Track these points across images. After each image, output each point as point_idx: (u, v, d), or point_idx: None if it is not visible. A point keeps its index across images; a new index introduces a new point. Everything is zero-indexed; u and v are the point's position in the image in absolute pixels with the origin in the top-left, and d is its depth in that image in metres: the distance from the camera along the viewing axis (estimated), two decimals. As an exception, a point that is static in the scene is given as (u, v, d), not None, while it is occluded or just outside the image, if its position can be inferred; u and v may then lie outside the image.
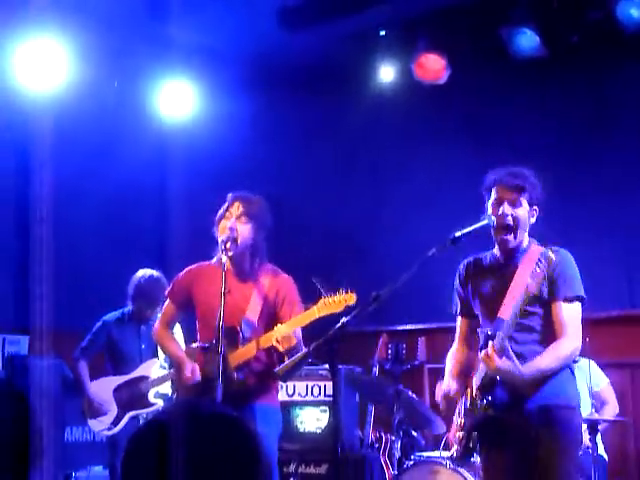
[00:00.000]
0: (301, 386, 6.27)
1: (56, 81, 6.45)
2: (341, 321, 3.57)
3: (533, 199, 3.79)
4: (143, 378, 5.97)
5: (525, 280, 3.57)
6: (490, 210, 3.79)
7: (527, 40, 6.59)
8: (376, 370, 6.41)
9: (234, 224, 4.35)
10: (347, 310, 4.07)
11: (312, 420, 6.23)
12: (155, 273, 6.11)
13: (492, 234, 3.80)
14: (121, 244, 7.25)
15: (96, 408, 5.94)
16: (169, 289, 4.66)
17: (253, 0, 6.79)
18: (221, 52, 7.28)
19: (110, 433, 5.90)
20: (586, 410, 5.48)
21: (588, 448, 5.39)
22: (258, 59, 7.38)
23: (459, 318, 4.00)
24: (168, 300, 4.64)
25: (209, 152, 7.33)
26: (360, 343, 6.46)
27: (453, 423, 3.84)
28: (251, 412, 4.26)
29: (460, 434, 3.76)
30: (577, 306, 3.71)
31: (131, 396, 5.93)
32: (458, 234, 3.69)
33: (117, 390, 5.97)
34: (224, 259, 4.26)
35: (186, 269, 4.61)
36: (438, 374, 7.17)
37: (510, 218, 3.75)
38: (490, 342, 3.57)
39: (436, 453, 5.65)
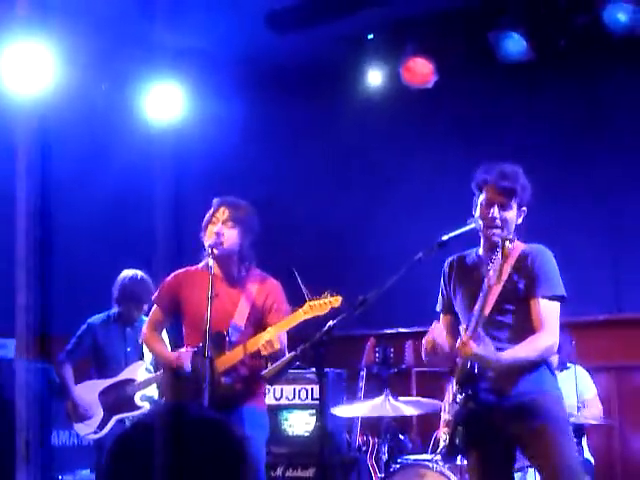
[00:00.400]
0: (288, 390, 6.27)
1: (43, 84, 6.41)
2: (328, 324, 3.58)
3: (523, 201, 3.80)
4: (129, 381, 5.94)
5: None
6: (479, 210, 3.81)
7: (515, 44, 6.62)
8: (363, 374, 6.41)
9: (221, 229, 4.36)
10: (333, 313, 4.09)
11: (301, 424, 6.23)
12: (139, 273, 6.09)
13: (480, 232, 3.81)
14: (111, 247, 7.23)
15: (81, 412, 5.91)
16: (156, 294, 4.66)
17: (242, 2, 6.78)
18: (210, 54, 7.27)
19: (97, 437, 5.87)
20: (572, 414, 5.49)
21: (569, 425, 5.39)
22: (247, 61, 7.38)
23: (442, 316, 4.03)
24: (155, 305, 4.64)
25: (199, 155, 7.33)
26: (347, 347, 6.45)
27: (441, 420, 3.87)
28: (239, 415, 4.27)
29: (445, 430, 3.78)
30: (556, 304, 3.73)
31: (117, 399, 5.90)
32: (445, 238, 3.71)
33: (103, 393, 5.94)
34: (211, 262, 4.27)
35: (173, 274, 4.61)
36: (425, 378, 7.23)
37: (499, 221, 3.76)
38: (463, 329, 3.61)
39: (424, 456, 5.66)
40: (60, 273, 6.60)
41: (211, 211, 4.46)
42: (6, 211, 6.61)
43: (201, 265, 4.45)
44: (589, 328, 6.40)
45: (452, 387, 3.77)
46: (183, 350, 4.39)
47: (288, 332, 4.34)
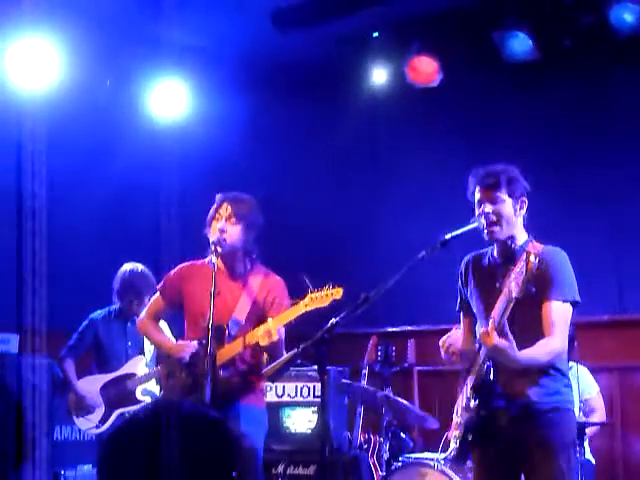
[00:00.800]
0: (290, 387, 6.27)
1: (48, 80, 6.43)
2: (330, 322, 3.58)
3: (515, 191, 3.77)
4: (130, 375, 5.96)
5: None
6: (477, 212, 3.81)
7: (520, 44, 6.60)
8: (365, 372, 6.41)
9: (224, 225, 4.37)
10: (334, 305, 4.09)
11: (303, 421, 6.23)
12: (140, 266, 6.09)
13: (483, 235, 3.81)
14: (114, 243, 7.24)
15: (83, 406, 5.92)
16: (160, 284, 4.68)
17: (246, 0, 6.78)
18: (214, 52, 7.27)
19: (98, 431, 5.89)
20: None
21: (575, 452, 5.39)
22: (251, 59, 7.38)
23: (461, 317, 3.99)
24: (158, 294, 4.65)
25: (202, 152, 7.32)
26: (350, 345, 6.47)
27: (452, 422, 3.84)
28: (235, 412, 4.27)
29: (456, 433, 3.76)
30: (569, 309, 3.69)
31: (118, 394, 5.91)
32: (448, 236, 3.70)
33: (104, 388, 5.95)
34: (214, 259, 4.28)
35: (178, 266, 4.63)
36: (428, 376, 7.24)
37: (492, 215, 3.74)
38: (491, 320, 3.50)
39: (426, 454, 5.66)
40: (63, 269, 6.62)
41: (214, 207, 4.46)
42: (11, 207, 6.63)
43: (207, 260, 4.44)
44: (592, 329, 6.38)
45: (466, 390, 3.74)
46: (187, 342, 4.40)
47: (290, 330, 4.34)
